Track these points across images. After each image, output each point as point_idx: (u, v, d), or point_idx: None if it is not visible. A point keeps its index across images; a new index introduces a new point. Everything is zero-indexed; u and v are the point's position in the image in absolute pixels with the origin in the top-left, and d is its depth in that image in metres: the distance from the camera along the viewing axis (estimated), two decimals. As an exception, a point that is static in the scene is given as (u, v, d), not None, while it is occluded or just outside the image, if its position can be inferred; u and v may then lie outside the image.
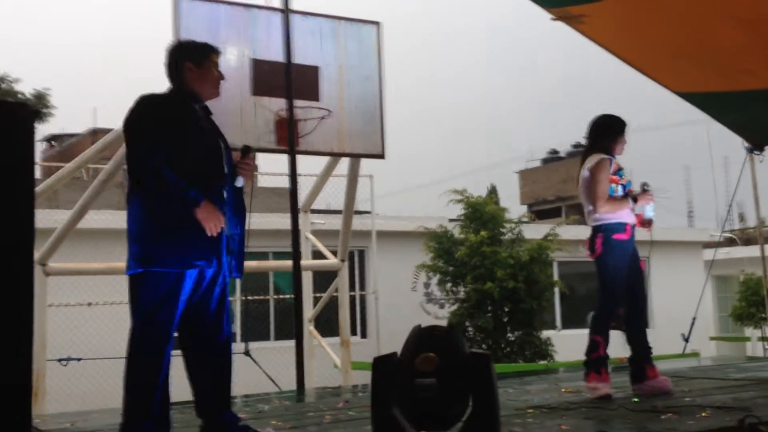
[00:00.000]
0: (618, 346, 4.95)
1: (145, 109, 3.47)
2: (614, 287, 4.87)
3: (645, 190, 5.01)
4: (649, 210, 4.99)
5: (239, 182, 3.60)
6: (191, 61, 3.60)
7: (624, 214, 4.86)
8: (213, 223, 3.35)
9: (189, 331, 3.53)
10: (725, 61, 6.26)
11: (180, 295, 3.39)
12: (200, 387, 3.57)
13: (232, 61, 6.68)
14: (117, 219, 11.37)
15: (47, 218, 8.98)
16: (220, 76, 3.70)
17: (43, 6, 79.12)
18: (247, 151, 3.72)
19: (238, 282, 11.92)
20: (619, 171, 4.91)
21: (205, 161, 3.49)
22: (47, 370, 7.87)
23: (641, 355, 4.93)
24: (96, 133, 25.49)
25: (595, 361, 4.76)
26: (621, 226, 4.83)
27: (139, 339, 3.39)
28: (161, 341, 3.37)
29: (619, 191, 4.89)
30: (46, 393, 7.70)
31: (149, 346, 3.37)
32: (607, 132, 4.98)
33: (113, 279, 9.95)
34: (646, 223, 5.02)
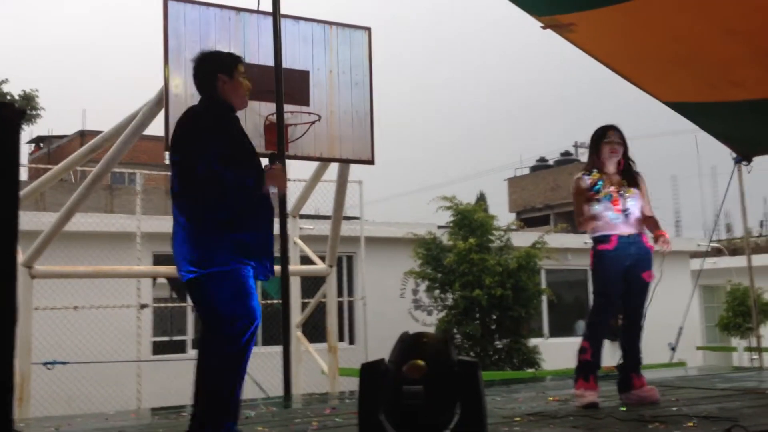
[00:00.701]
0: (606, 355, 4.95)
1: (197, 120, 3.55)
2: (601, 297, 4.94)
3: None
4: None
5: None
6: (224, 73, 3.64)
7: (610, 227, 4.86)
8: (283, 181, 3.54)
9: None
10: (714, 72, 6.28)
11: (249, 287, 3.43)
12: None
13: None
14: (104, 222, 11.34)
15: (34, 220, 8.92)
16: (248, 86, 3.75)
17: (35, 7, 78.90)
18: (274, 158, 3.78)
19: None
20: (594, 186, 4.90)
21: (250, 167, 3.57)
22: (32, 373, 7.80)
23: (630, 365, 4.95)
24: (84, 135, 25.41)
25: (583, 365, 4.81)
26: (605, 238, 4.88)
27: (222, 339, 3.36)
28: (243, 338, 3.36)
29: (597, 207, 4.88)
30: (30, 397, 7.63)
31: (233, 343, 3.36)
32: (591, 145, 5.11)
33: (100, 282, 9.92)
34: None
